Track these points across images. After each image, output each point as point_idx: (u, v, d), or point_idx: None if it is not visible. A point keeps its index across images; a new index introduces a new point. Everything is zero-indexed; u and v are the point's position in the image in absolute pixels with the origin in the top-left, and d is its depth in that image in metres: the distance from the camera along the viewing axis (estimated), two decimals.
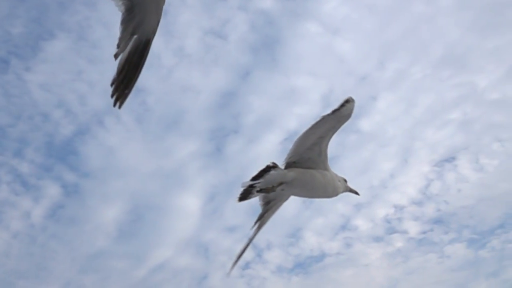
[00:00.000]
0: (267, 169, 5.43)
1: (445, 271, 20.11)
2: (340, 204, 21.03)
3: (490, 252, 20.77)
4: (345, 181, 6.02)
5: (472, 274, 20.51)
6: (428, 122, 22.12)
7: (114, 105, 4.47)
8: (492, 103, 21.56)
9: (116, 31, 4.54)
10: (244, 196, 5.53)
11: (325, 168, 5.78)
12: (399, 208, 20.81)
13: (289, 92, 20.53)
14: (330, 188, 5.76)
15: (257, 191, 5.44)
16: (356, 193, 6.15)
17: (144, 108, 19.20)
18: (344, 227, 19.99)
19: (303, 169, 5.67)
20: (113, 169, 18.84)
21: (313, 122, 5.65)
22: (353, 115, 5.67)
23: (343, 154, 22.73)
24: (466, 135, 21.89)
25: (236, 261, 6.13)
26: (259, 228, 6.13)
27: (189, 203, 18.94)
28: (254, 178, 5.43)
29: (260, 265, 18.56)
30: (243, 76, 20.19)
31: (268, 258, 18.81)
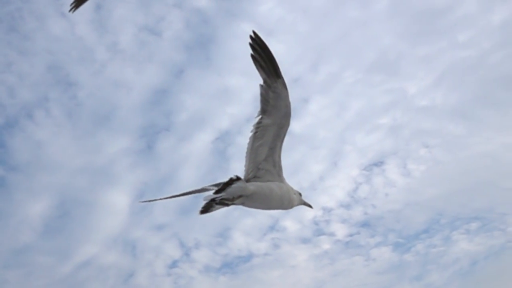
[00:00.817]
0: (230, 182, 5.51)
1: (371, 274, 20.71)
2: None
3: (414, 256, 21.45)
4: (300, 194, 6.25)
5: (397, 278, 21.27)
6: (359, 126, 22.61)
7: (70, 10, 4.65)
8: (421, 110, 22.37)
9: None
10: (206, 209, 5.58)
11: (281, 180, 5.96)
12: (327, 210, 21.08)
13: (222, 92, 20.50)
14: (286, 200, 5.96)
15: (217, 204, 5.52)
16: (310, 206, 6.41)
17: (75, 102, 18.51)
18: (272, 228, 20.22)
19: (262, 183, 5.81)
20: (41, 163, 18.19)
21: (252, 134, 5.83)
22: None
23: None
24: (394, 140, 22.51)
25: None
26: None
27: (118, 200, 18.57)
28: (217, 192, 5.49)
29: (187, 264, 18.51)
30: (176, 74, 19.98)
31: (196, 257, 18.82)
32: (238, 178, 5.56)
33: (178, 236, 18.62)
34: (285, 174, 6.02)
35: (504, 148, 22.64)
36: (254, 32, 5.56)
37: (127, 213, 18.39)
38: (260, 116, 5.69)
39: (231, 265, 18.90)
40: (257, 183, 5.79)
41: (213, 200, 5.49)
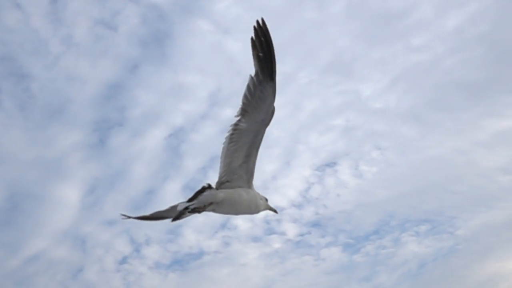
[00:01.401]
0: (202, 190, 5.74)
1: (320, 274, 20.82)
2: None
3: (364, 257, 21.58)
4: (266, 200, 6.57)
5: (346, 278, 21.28)
6: (312, 127, 22.55)
7: None
8: (374, 112, 22.49)
9: None
10: (178, 216, 5.80)
11: (249, 186, 6.21)
12: (279, 209, 21.89)
13: (177, 88, 20.39)
14: (253, 206, 6.24)
15: (189, 212, 5.75)
16: (275, 211, 6.74)
17: (27, 95, 18.06)
18: (223, 226, 20.09)
19: (232, 190, 6.07)
20: None
21: (227, 137, 5.92)
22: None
23: None
24: (347, 142, 22.56)
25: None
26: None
27: (69, 194, 18.29)
28: (190, 200, 5.72)
29: (137, 260, 18.40)
30: (131, 69, 19.79)
31: (146, 253, 18.74)
32: (209, 186, 5.80)
33: (129, 232, 18.48)
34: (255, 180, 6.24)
35: (455, 152, 23.09)
36: (262, 20, 5.43)
37: (78, 208, 18.19)
38: (238, 117, 5.72)
39: (181, 262, 18.90)
40: (226, 190, 6.04)
41: (186, 208, 5.72)
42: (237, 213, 6.20)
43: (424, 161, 23.24)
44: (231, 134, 5.82)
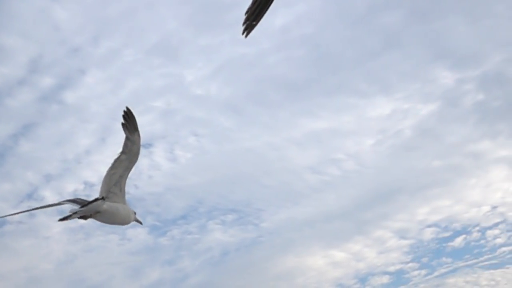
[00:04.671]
0: (95, 200, 6.59)
1: (124, 253, 21.21)
2: (30, 172, 20.48)
3: (169, 240, 22.25)
4: (135, 213, 7.61)
5: (150, 260, 21.66)
6: (132, 106, 23.28)
7: (243, 33, 4.51)
8: (195, 98, 22.96)
9: None
10: (65, 218, 6.50)
11: (124, 201, 7.24)
12: (89, 185, 20.47)
13: None
14: (127, 218, 7.25)
15: (79, 218, 6.52)
16: (141, 223, 7.79)
17: None
18: (30, 196, 19.72)
19: (112, 203, 7.01)
20: None
21: (111, 164, 6.95)
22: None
23: (42, 123, 21.95)
24: (165, 125, 22.79)
25: None
26: None
27: None
28: (82, 206, 6.52)
29: None
30: None
31: None
32: (103, 198, 6.67)
33: None
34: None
35: (268, 146, 24.08)
36: (128, 110, 6.76)
37: None
38: (119, 155, 6.86)
39: None
40: (109, 202, 6.95)
41: (75, 212, 6.47)
42: (113, 223, 7.12)
43: (238, 152, 23.76)
44: (113, 163, 6.85)
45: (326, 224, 24.11)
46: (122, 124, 6.75)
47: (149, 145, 22.34)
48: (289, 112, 24.65)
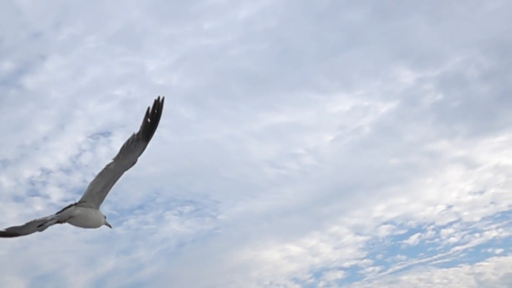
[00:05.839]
0: (70, 206, 7.19)
1: (80, 242, 21.59)
2: None
3: (126, 230, 22.79)
4: (105, 217, 8.22)
5: (105, 249, 22.03)
6: (92, 94, 22.97)
7: None
8: (156, 88, 23.57)
9: None
10: (43, 225, 7.09)
11: (98, 207, 7.82)
12: (46, 172, 21.27)
13: None
14: (98, 223, 7.83)
15: (55, 223, 7.12)
16: (110, 226, 8.41)
17: None
18: None
19: (85, 208, 7.59)
20: None
21: (99, 172, 7.35)
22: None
23: (0, 108, 21.64)
24: (125, 114, 23.25)
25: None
26: None
27: None
28: (58, 213, 7.11)
29: None
30: None
31: None
32: (76, 204, 7.28)
33: None
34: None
35: (228, 139, 24.75)
36: (163, 99, 6.73)
37: None
38: (112, 161, 7.05)
39: None
40: (82, 208, 7.54)
41: (52, 219, 7.08)
42: (86, 227, 7.74)
43: (197, 143, 24.37)
44: (102, 171, 7.23)
45: (283, 218, 24.80)
46: (146, 116, 6.63)
47: (108, 134, 22.86)
48: (250, 105, 25.25)
